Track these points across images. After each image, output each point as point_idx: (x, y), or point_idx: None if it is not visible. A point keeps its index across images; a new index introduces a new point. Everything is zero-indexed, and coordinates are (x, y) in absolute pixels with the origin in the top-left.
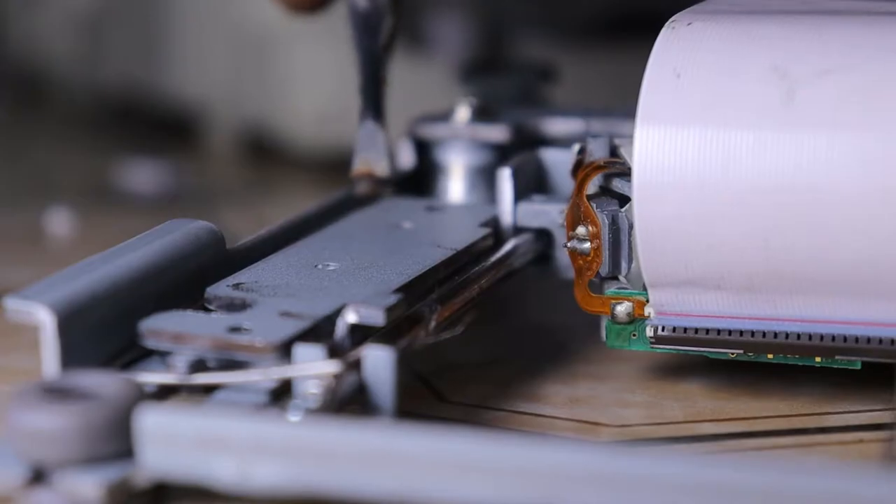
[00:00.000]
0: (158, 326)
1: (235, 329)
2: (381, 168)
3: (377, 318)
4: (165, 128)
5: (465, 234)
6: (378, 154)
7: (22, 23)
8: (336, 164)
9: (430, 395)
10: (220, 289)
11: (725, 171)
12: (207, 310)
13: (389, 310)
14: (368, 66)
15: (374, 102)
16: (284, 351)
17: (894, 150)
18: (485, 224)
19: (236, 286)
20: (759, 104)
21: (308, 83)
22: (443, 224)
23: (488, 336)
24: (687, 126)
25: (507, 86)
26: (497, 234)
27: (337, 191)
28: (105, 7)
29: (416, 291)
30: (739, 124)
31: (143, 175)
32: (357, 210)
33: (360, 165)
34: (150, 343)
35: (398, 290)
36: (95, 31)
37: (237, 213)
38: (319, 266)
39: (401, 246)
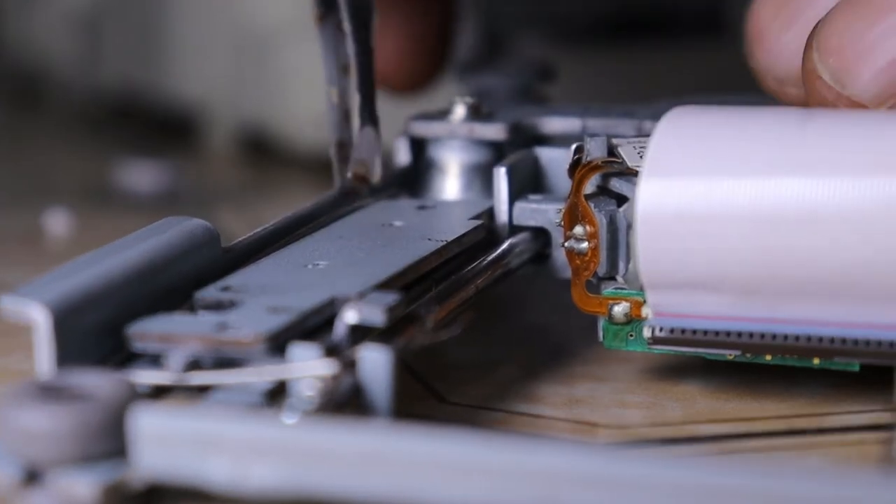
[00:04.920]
0: (145, 330)
1: (222, 326)
2: (375, 174)
3: (377, 317)
4: (165, 128)
5: (456, 226)
6: (373, 159)
7: (20, 22)
8: None
9: (430, 395)
10: (209, 292)
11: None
12: (196, 313)
13: (390, 310)
14: (364, 60)
15: (370, 103)
16: (272, 344)
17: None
18: (476, 217)
19: (225, 289)
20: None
21: (308, 83)
22: (435, 220)
23: (487, 337)
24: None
25: (504, 84)
26: (490, 225)
27: (334, 189)
28: (104, 7)
29: (408, 282)
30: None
31: (142, 175)
32: (349, 212)
33: (357, 168)
34: (138, 347)
35: (388, 281)
36: (94, 31)
37: (236, 214)
38: (309, 266)
39: (391, 242)
